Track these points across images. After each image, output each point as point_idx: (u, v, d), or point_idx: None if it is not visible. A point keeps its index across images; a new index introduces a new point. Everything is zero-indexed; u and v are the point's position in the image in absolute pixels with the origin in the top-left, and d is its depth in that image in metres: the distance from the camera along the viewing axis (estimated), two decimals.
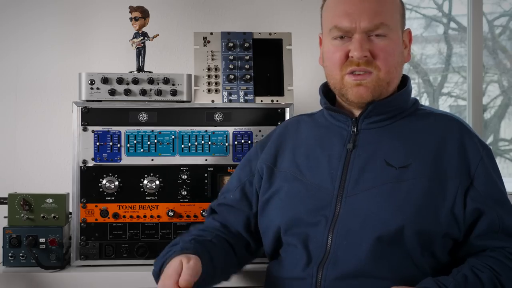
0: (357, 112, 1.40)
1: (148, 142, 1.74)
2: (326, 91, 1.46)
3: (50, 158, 2.22)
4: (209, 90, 1.83)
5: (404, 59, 1.42)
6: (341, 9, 1.35)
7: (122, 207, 1.73)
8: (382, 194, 1.29)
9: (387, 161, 1.32)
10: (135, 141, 1.74)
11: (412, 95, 1.47)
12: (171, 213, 1.72)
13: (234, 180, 1.53)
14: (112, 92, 1.75)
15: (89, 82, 1.76)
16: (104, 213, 1.72)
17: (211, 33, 1.87)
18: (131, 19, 1.85)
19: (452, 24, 3.36)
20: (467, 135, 1.36)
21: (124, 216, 1.72)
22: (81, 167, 1.72)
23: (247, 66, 1.84)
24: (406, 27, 1.44)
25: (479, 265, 1.25)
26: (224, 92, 1.83)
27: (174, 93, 1.76)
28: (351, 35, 1.34)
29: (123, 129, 1.74)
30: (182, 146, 1.75)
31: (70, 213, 1.74)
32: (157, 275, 1.32)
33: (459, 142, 1.34)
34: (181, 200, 1.74)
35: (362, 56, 1.32)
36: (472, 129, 1.41)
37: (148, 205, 1.73)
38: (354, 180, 1.33)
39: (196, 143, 1.75)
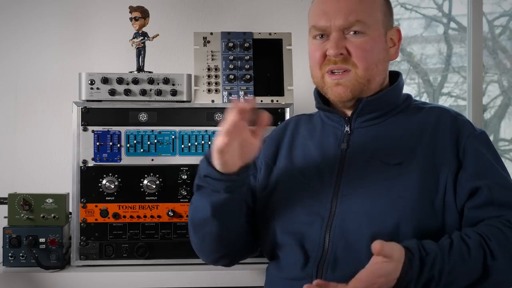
0: (349, 112, 1.41)
1: (148, 142, 1.74)
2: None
3: (50, 158, 2.22)
4: (209, 90, 1.83)
5: (390, 57, 1.41)
6: (320, 9, 1.37)
7: (122, 207, 1.73)
8: (377, 192, 1.29)
9: (381, 159, 1.33)
10: (135, 141, 1.74)
11: (412, 95, 1.47)
12: (171, 213, 1.72)
13: None
14: (112, 92, 1.75)
15: (89, 82, 1.76)
16: (104, 213, 1.72)
17: (211, 33, 1.87)
18: (131, 19, 1.85)
19: (452, 24, 3.37)
20: (460, 121, 1.36)
21: (124, 216, 1.72)
22: (81, 167, 1.72)
23: (247, 66, 1.84)
24: (401, 27, 1.44)
25: (470, 231, 1.23)
26: (224, 92, 1.83)
27: (174, 93, 1.77)
28: (329, 34, 1.35)
29: (123, 129, 1.74)
30: (182, 146, 1.75)
31: (70, 213, 1.74)
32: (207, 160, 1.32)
33: (450, 131, 1.34)
34: (181, 200, 1.74)
35: (337, 53, 1.33)
36: (465, 117, 1.40)
37: (148, 205, 1.73)
38: (349, 179, 1.33)
39: (196, 143, 1.75)
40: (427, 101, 3.30)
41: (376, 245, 1.14)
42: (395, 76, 1.45)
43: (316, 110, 1.51)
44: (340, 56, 1.33)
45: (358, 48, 1.33)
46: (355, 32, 1.34)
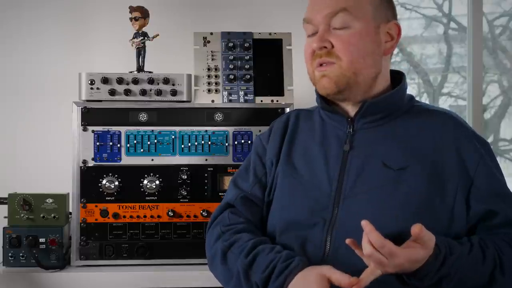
0: (352, 112, 1.40)
1: (148, 142, 1.74)
2: None
3: (50, 158, 2.22)
4: (209, 90, 1.83)
5: (385, 51, 1.39)
6: (310, 2, 1.40)
7: (122, 207, 1.73)
8: (381, 196, 1.28)
9: (385, 162, 1.31)
10: (135, 141, 1.74)
11: (412, 95, 1.46)
12: (171, 213, 1.72)
13: (251, 175, 1.47)
14: (112, 92, 1.75)
15: (89, 82, 1.76)
16: (104, 213, 1.72)
17: (211, 33, 1.87)
18: (131, 19, 1.85)
19: (452, 24, 3.37)
20: (463, 132, 1.36)
21: (124, 216, 1.72)
22: (81, 167, 1.72)
23: (247, 66, 1.84)
24: (401, 25, 1.42)
25: (489, 241, 1.26)
26: (224, 92, 1.83)
27: (174, 93, 1.77)
28: (317, 28, 1.36)
29: (123, 129, 1.74)
30: (182, 146, 1.75)
31: (70, 213, 1.74)
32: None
33: (455, 140, 1.33)
34: (181, 200, 1.74)
35: (320, 46, 1.33)
36: (468, 125, 1.40)
37: (148, 205, 1.73)
38: (352, 181, 1.32)
39: (196, 143, 1.75)
40: (427, 101, 3.30)
41: (417, 227, 1.12)
42: (398, 76, 1.44)
43: (313, 105, 1.51)
44: (324, 49, 1.34)
45: (342, 41, 1.33)
46: (342, 28, 1.33)
